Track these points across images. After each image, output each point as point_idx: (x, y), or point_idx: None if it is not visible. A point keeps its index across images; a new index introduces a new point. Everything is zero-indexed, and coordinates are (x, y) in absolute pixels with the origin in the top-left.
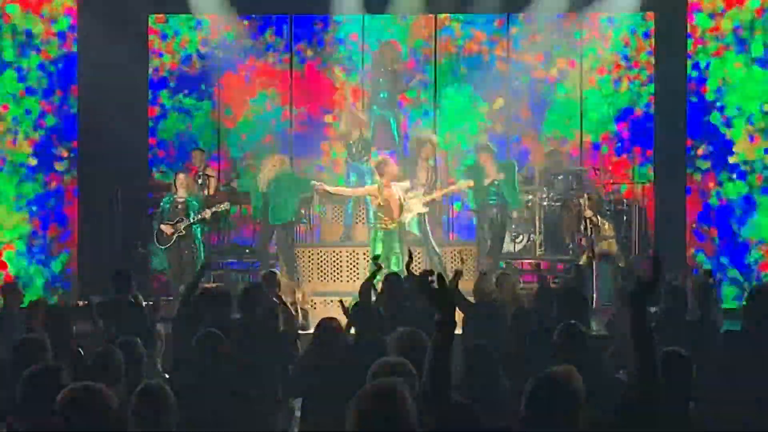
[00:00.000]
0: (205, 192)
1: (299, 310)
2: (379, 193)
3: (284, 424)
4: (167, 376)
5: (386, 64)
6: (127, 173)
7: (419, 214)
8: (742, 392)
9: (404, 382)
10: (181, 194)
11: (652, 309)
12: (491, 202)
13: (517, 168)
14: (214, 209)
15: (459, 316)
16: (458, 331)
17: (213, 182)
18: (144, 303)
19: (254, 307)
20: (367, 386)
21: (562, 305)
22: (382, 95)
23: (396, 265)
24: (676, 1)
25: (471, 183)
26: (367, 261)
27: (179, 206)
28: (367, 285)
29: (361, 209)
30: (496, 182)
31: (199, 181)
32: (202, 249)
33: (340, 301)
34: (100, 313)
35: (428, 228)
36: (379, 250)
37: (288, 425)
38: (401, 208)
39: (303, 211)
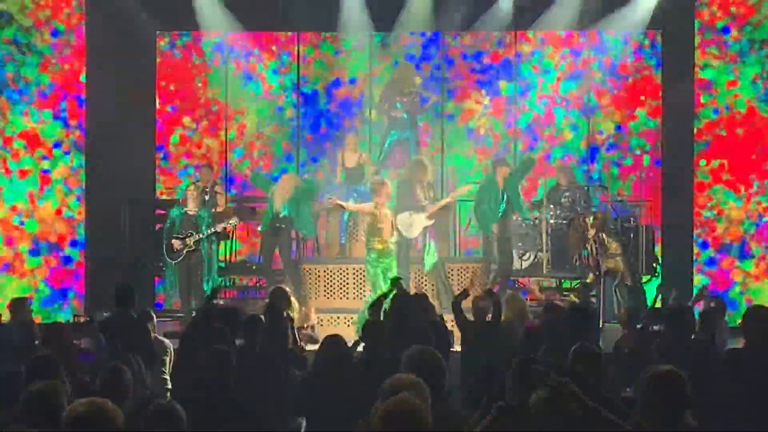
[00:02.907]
0: (213, 209)
1: (308, 327)
2: (375, 213)
3: None
4: (174, 392)
5: (404, 86)
6: (134, 189)
7: (424, 228)
8: (744, 410)
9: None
10: (191, 207)
11: (655, 327)
12: (500, 214)
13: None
14: (224, 224)
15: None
16: (458, 348)
17: (221, 199)
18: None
19: (262, 324)
20: (388, 402)
21: (570, 323)
22: (402, 116)
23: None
24: (683, 17)
25: (470, 187)
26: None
27: (190, 220)
28: (379, 303)
29: (360, 224)
30: (503, 189)
31: (206, 197)
32: (214, 267)
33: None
34: (102, 329)
35: (431, 244)
36: (370, 273)
37: None
38: (393, 229)
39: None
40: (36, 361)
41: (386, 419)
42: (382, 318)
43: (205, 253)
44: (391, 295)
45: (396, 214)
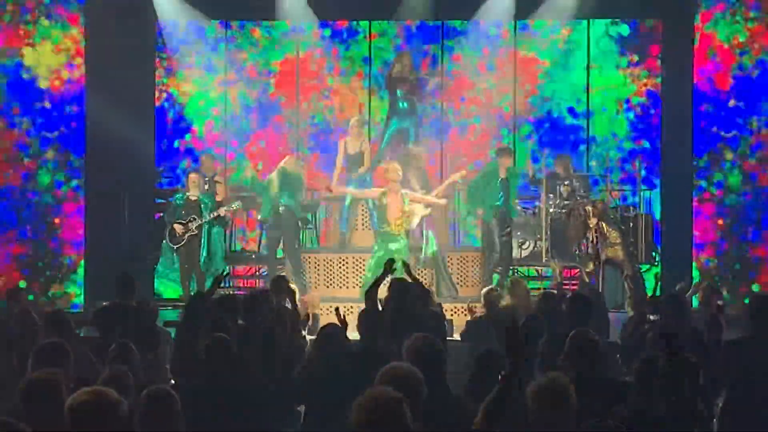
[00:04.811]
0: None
1: (312, 316)
2: (382, 197)
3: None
4: (173, 381)
5: (403, 74)
6: (134, 179)
7: (422, 217)
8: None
9: (399, 390)
10: (193, 193)
11: (652, 317)
12: (498, 203)
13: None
14: (227, 208)
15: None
16: (456, 336)
17: (221, 188)
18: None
19: (261, 312)
20: (364, 395)
21: (570, 311)
22: (402, 105)
23: (399, 272)
24: (683, 8)
25: (464, 173)
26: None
27: (192, 205)
28: (374, 290)
29: (360, 213)
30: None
31: (206, 186)
32: (219, 255)
33: (336, 309)
34: (103, 318)
35: (430, 234)
36: (381, 252)
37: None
38: (403, 216)
39: (309, 217)
40: (45, 348)
41: (360, 413)
42: (378, 306)
43: (205, 240)
44: (386, 281)
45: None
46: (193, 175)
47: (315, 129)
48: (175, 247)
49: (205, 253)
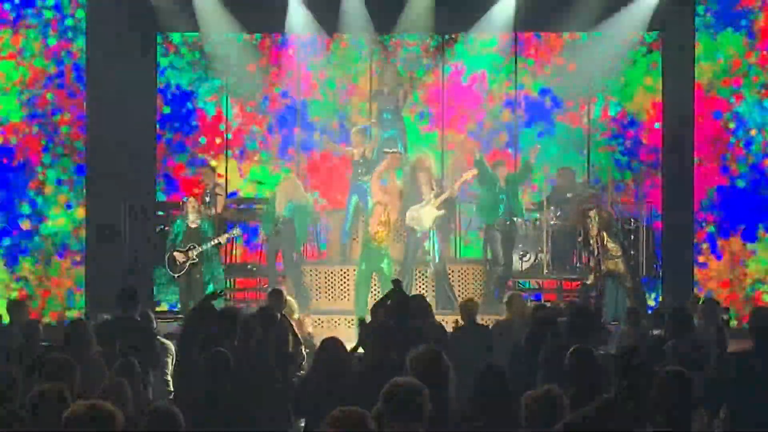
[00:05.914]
0: (213, 210)
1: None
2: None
3: None
4: (173, 394)
5: (389, 84)
6: (135, 190)
7: (436, 218)
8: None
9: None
10: (193, 219)
11: (655, 332)
12: (500, 209)
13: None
14: (227, 235)
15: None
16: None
17: (221, 200)
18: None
19: (267, 328)
20: (333, 413)
21: (571, 324)
22: (386, 116)
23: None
24: (683, 22)
25: (475, 171)
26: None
27: (192, 233)
28: (381, 307)
29: (360, 225)
30: (504, 188)
31: (207, 198)
32: (217, 271)
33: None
34: (106, 331)
35: (438, 244)
36: (363, 266)
37: None
38: (387, 228)
39: (311, 230)
40: (50, 363)
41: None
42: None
43: (207, 268)
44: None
45: (401, 212)
46: (191, 200)
47: (316, 137)
48: (175, 276)
49: (207, 279)
